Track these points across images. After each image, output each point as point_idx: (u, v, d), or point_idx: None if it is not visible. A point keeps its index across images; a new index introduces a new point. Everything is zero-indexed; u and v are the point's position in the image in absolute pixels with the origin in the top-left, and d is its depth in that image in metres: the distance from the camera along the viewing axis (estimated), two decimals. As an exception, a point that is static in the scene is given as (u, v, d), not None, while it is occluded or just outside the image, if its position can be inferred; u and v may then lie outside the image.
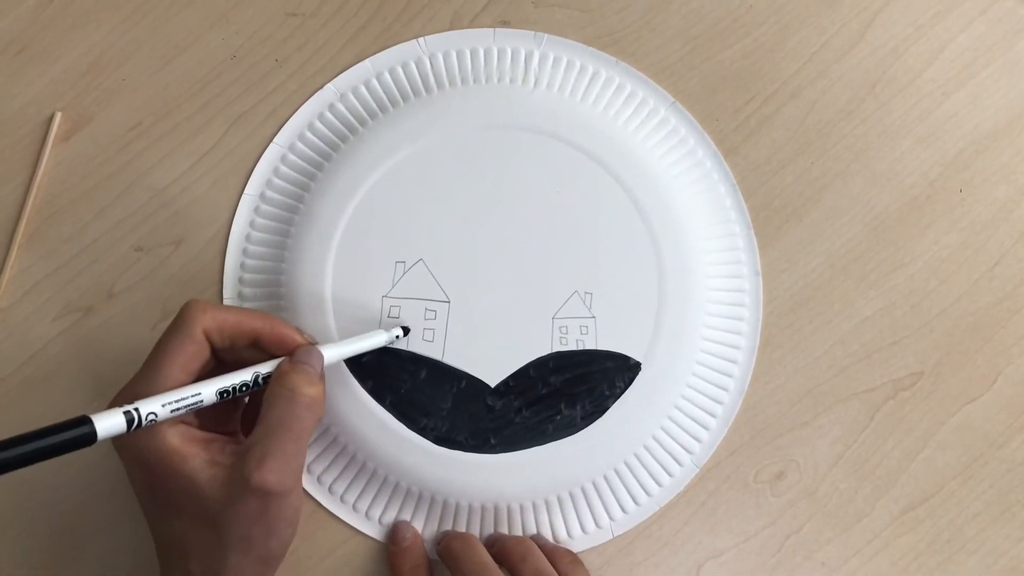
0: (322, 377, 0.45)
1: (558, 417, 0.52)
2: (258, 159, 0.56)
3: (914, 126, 0.57)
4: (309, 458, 0.53)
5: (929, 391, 0.55)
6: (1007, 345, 0.55)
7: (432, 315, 0.53)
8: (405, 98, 0.56)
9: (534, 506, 0.53)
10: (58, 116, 0.56)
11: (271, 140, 0.56)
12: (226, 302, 0.55)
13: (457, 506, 0.52)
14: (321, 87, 0.57)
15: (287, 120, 0.57)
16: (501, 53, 0.57)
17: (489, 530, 0.53)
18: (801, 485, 0.54)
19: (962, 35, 0.58)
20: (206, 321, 0.43)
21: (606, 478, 0.53)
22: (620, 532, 0.53)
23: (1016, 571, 0.54)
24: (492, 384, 0.52)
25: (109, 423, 0.38)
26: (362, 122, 0.56)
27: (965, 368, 0.55)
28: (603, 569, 0.53)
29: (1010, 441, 0.55)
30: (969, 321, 0.55)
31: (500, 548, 0.50)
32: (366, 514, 0.53)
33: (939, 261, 0.56)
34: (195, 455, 0.42)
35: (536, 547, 0.50)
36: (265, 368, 0.45)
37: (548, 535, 0.53)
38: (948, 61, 0.58)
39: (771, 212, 0.56)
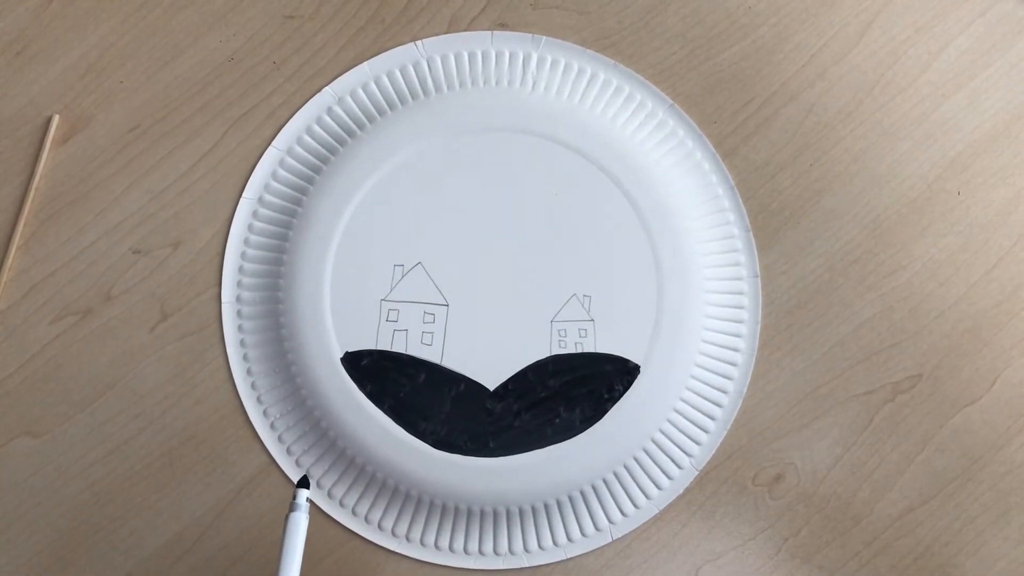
0: None
1: (557, 420, 0.52)
2: (256, 162, 0.56)
3: (913, 128, 0.57)
4: (307, 463, 0.54)
5: (928, 394, 0.55)
6: (1006, 348, 0.55)
7: (431, 318, 0.53)
8: (403, 101, 0.56)
9: (533, 510, 0.53)
10: (56, 119, 0.56)
11: (270, 143, 0.56)
12: (224, 305, 0.55)
13: (456, 510, 0.52)
14: (319, 90, 0.57)
15: (285, 124, 0.57)
16: (499, 56, 0.57)
17: (488, 534, 0.53)
18: (799, 488, 0.54)
19: (960, 37, 0.58)
20: None
21: (605, 481, 0.53)
22: (619, 535, 0.53)
23: (1015, 574, 0.54)
24: (491, 387, 0.52)
25: None
26: (360, 125, 0.56)
27: (964, 371, 0.55)
28: (602, 572, 0.53)
29: (1009, 443, 0.55)
30: (967, 324, 0.55)
31: None
32: (365, 518, 0.53)
33: (937, 264, 0.56)
34: None
35: None
36: None
37: (548, 539, 0.53)
38: (947, 63, 0.58)
39: (770, 214, 0.56)
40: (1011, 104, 0.57)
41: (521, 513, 0.53)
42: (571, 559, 0.53)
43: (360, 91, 0.57)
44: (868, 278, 0.56)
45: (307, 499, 0.45)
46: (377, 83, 0.57)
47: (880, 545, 0.54)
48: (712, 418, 0.54)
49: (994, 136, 0.57)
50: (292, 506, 0.44)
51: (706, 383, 0.54)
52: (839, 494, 0.54)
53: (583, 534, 0.53)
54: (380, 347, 0.53)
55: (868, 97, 0.57)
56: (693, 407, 0.54)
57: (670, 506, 0.54)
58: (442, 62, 0.57)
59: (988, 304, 0.56)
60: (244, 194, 0.56)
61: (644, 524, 0.54)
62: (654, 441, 0.53)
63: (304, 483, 0.45)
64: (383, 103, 0.56)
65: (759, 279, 0.56)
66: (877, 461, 0.54)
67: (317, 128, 0.56)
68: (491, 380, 0.52)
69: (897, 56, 0.58)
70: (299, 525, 0.44)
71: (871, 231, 0.56)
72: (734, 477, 0.54)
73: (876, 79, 0.57)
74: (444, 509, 0.52)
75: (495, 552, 0.53)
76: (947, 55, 0.58)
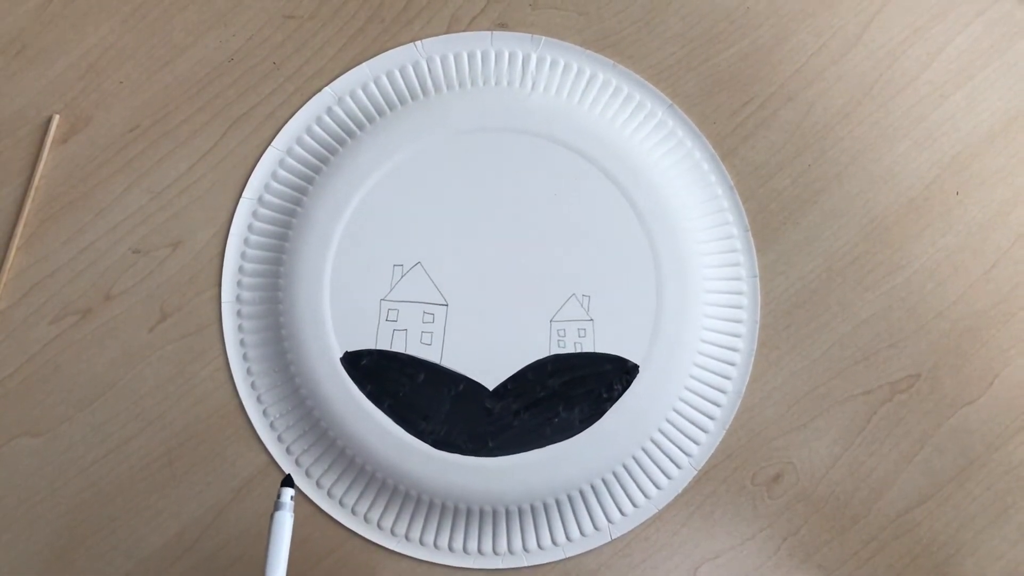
0: None
1: (556, 420, 0.52)
2: (256, 162, 0.56)
3: (911, 128, 0.57)
4: (307, 462, 0.54)
5: (926, 393, 0.55)
6: (1004, 347, 0.55)
7: (430, 318, 0.53)
8: (403, 101, 0.56)
9: (532, 509, 0.53)
10: (56, 118, 0.56)
11: (269, 143, 0.56)
12: (224, 305, 0.55)
13: (455, 509, 0.52)
14: (319, 90, 0.57)
15: (284, 124, 0.57)
16: (499, 56, 0.57)
17: (488, 533, 0.53)
18: (798, 487, 0.54)
19: (959, 37, 0.58)
20: None
21: (604, 481, 0.53)
22: (618, 535, 0.54)
23: (1013, 574, 0.54)
24: (490, 387, 0.52)
25: None
26: (360, 126, 0.56)
27: (962, 371, 0.55)
28: (600, 572, 0.53)
29: (1007, 443, 0.55)
30: (966, 324, 0.55)
31: None
32: (364, 517, 0.53)
33: (936, 264, 0.56)
34: None
35: None
36: None
37: (547, 538, 0.53)
38: (945, 63, 0.58)
39: (768, 214, 0.56)
40: (1010, 104, 0.57)
41: (520, 512, 0.53)
42: (570, 559, 0.53)
43: (360, 91, 0.57)
44: (867, 278, 0.56)
45: (291, 498, 0.45)
46: (377, 83, 0.57)
47: (878, 545, 0.54)
48: (711, 418, 0.54)
49: (992, 136, 0.57)
50: (277, 505, 0.44)
51: (705, 383, 0.54)
52: (838, 494, 0.54)
53: (582, 534, 0.53)
54: (380, 347, 0.53)
55: (867, 97, 0.57)
56: (692, 407, 0.54)
57: (669, 505, 0.54)
58: (441, 62, 0.57)
59: (986, 304, 0.56)
60: (244, 194, 0.56)
61: (643, 524, 0.54)
62: (653, 441, 0.53)
63: (289, 482, 0.45)
64: (383, 103, 0.56)
65: (758, 279, 0.56)
66: (876, 461, 0.54)
67: (317, 128, 0.56)
68: (490, 380, 0.53)
69: (896, 56, 0.58)
70: (284, 524, 0.44)
71: (870, 231, 0.56)
72: (733, 477, 0.54)
73: (875, 79, 0.57)
74: (443, 508, 0.53)
75: (494, 551, 0.53)
76: (946, 55, 0.58)
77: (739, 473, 0.54)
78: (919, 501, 0.54)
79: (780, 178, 0.57)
